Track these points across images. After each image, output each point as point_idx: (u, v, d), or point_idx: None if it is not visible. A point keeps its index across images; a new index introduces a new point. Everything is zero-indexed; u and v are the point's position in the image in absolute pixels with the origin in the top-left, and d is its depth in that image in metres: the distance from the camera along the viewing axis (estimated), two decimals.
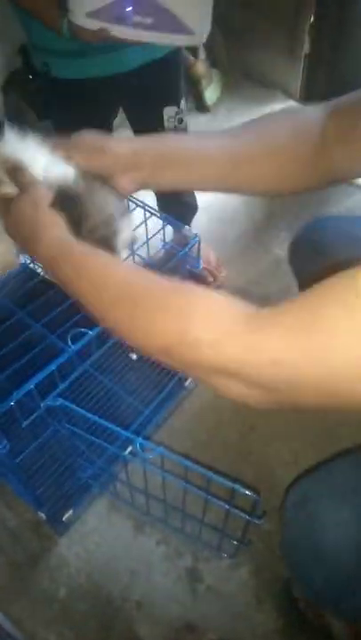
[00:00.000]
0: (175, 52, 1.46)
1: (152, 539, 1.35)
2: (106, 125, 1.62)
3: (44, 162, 0.78)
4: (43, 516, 1.27)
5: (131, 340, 0.65)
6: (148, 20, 1.16)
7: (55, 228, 0.73)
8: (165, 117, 1.50)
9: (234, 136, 0.81)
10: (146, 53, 1.38)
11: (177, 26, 1.17)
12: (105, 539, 1.35)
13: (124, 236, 0.82)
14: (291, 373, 0.52)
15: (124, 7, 1.14)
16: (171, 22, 1.16)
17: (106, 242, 0.80)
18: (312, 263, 1.08)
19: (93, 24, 1.17)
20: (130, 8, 1.14)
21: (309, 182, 0.81)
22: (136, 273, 0.67)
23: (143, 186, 0.83)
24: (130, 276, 0.66)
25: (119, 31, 1.18)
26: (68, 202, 0.76)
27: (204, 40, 1.24)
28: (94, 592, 1.28)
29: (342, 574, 0.82)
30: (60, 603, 1.27)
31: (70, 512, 1.32)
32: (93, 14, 1.17)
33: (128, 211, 0.85)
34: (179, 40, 1.22)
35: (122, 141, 0.81)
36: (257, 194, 0.85)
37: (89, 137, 0.81)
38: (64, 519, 1.31)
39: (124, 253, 0.85)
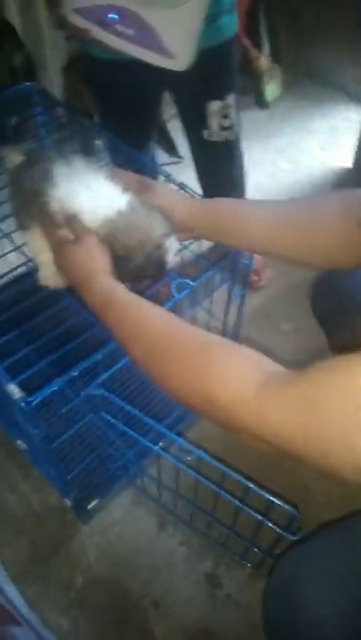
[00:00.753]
0: (227, 45, 1.40)
1: (175, 538, 1.32)
2: (151, 113, 1.59)
3: (97, 194, 0.84)
4: (68, 502, 1.26)
5: (164, 388, 0.71)
6: (130, 32, 1.17)
7: (103, 275, 0.80)
8: (209, 112, 1.46)
9: (285, 209, 0.87)
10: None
11: (158, 45, 1.18)
12: (127, 532, 1.34)
13: (172, 253, 0.88)
14: (288, 446, 0.57)
15: (108, 13, 1.15)
16: (152, 40, 1.17)
17: (158, 261, 0.86)
18: (338, 312, 1.11)
19: (78, 21, 1.19)
20: (115, 16, 1.15)
21: (351, 261, 0.82)
22: (170, 326, 0.72)
23: (190, 239, 0.93)
24: (164, 329, 0.72)
25: (101, 35, 1.20)
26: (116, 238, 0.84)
27: (184, 67, 1.23)
28: (112, 584, 1.26)
29: None
30: (77, 591, 1.26)
31: (96, 501, 1.30)
32: (80, 11, 1.18)
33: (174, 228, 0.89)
34: (157, 60, 1.22)
35: (183, 207, 0.89)
36: (298, 263, 0.89)
37: (158, 199, 0.87)
38: (89, 508, 1.30)
39: (175, 261, 0.90)
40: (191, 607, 1.23)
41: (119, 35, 1.18)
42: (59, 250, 0.85)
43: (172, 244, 0.87)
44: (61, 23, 1.23)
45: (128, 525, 1.34)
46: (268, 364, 0.65)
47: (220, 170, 1.65)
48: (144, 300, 0.76)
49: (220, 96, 1.43)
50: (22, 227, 0.92)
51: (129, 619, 1.22)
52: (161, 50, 1.20)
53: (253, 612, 1.21)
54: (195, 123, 1.51)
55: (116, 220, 0.83)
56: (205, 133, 1.49)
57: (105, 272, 0.80)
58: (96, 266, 0.81)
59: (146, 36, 1.18)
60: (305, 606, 0.80)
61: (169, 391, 0.70)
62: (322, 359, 0.59)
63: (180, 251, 0.91)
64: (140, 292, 0.80)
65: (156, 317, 0.74)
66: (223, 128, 1.48)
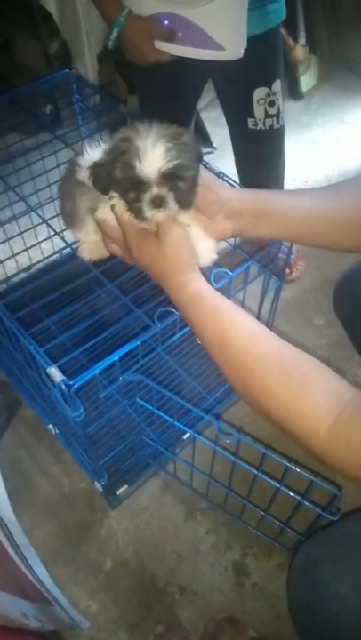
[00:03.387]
0: (274, 32, 1.39)
1: (202, 526, 1.33)
2: (189, 102, 1.57)
3: None
4: (98, 487, 1.28)
5: (243, 399, 0.74)
6: (179, 35, 1.22)
7: (186, 274, 0.78)
8: (255, 100, 1.44)
9: (326, 197, 0.86)
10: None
11: (207, 41, 1.22)
12: (155, 518, 1.35)
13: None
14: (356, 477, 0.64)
15: (162, 21, 1.22)
16: (200, 37, 1.21)
17: None
18: None
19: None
20: (166, 22, 1.22)
21: None
22: (252, 340, 0.72)
23: (239, 233, 0.88)
24: (245, 345, 0.72)
25: (174, 49, 1.26)
26: None
27: (237, 56, 1.24)
28: (139, 569, 1.28)
29: None
30: (105, 574, 1.28)
31: (125, 487, 1.32)
32: None
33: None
34: (209, 55, 1.25)
35: (231, 188, 0.88)
36: (340, 250, 0.89)
37: (206, 175, 0.83)
38: (118, 493, 1.32)
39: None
40: (217, 595, 1.24)
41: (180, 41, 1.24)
42: (141, 241, 0.81)
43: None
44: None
45: (156, 512, 1.36)
46: (347, 392, 0.66)
47: (264, 160, 1.63)
48: (229, 304, 0.75)
49: (266, 83, 1.42)
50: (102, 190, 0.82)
51: (155, 603, 1.24)
52: (210, 45, 1.22)
53: (280, 603, 1.22)
54: (239, 112, 1.49)
55: None
56: (250, 122, 1.48)
57: (190, 270, 0.78)
58: (181, 263, 0.78)
59: (194, 34, 1.21)
60: (326, 586, 0.81)
61: (247, 402, 0.74)
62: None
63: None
64: None
65: (239, 329, 0.73)
66: (269, 115, 1.47)
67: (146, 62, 1.29)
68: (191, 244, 0.80)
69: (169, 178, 0.73)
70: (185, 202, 0.77)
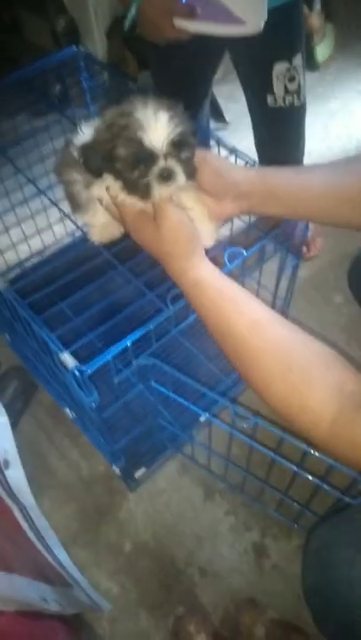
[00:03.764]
0: (296, 2, 1.33)
1: (221, 508, 1.33)
2: (205, 77, 1.52)
3: None
4: (116, 470, 1.28)
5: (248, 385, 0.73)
6: (198, 10, 1.17)
7: (189, 259, 0.75)
8: (275, 75, 1.39)
9: (338, 173, 0.83)
10: None
11: (226, 15, 1.17)
12: (174, 500, 1.35)
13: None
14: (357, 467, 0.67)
15: None
16: (219, 12, 1.16)
17: None
18: None
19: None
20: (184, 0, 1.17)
21: None
22: (254, 330, 0.70)
23: (249, 212, 0.87)
24: (247, 334, 0.70)
25: (194, 26, 1.19)
26: None
27: (257, 31, 1.18)
28: (159, 551, 1.28)
29: (352, 629, 0.79)
30: (125, 556, 1.28)
31: (143, 470, 1.32)
32: None
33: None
34: (229, 30, 1.20)
35: (240, 170, 0.85)
36: (355, 229, 0.85)
37: (215, 159, 0.82)
38: (136, 476, 1.31)
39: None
40: (237, 576, 1.24)
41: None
42: (139, 225, 0.79)
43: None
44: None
45: (174, 494, 1.36)
46: (350, 381, 0.65)
47: (284, 139, 1.58)
48: (232, 290, 0.73)
49: (287, 57, 1.36)
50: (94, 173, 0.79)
51: (175, 585, 1.24)
52: (230, 19, 1.17)
53: (300, 584, 1.21)
54: (259, 87, 1.43)
55: None
56: (270, 99, 1.42)
57: (191, 254, 0.76)
58: (179, 248, 0.75)
59: (213, 9, 1.16)
60: (338, 570, 0.81)
61: (252, 388, 0.73)
62: None
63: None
64: None
65: (241, 318, 0.72)
66: (289, 92, 1.41)
67: (165, 40, 1.25)
68: (191, 227, 0.77)
69: (177, 146, 0.71)
70: (190, 171, 0.75)
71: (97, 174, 0.76)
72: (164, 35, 1.23)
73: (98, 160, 0.73)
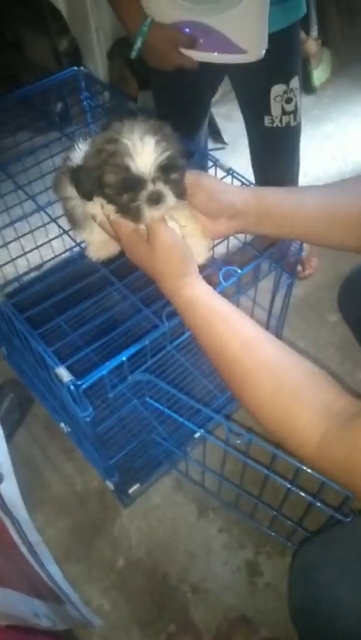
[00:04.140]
0: (293, 28, 1.37)
1: (214, 525, 1.33)
2: (204, 99, 1.56)
3: None
4: (110, 485, 1.28)
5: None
6: (200, 40, 1.21)
7: (181, 278, 0.76)
8: (272, 97, 1.42)
9: (332, 195, 0.84)
10: None
11: (228, 46, 1.21)
12: (167, 517, 1.35)
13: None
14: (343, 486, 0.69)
15: (183, 28, 1.21)
16: (222, 42, 1.20)
17: None
18: None
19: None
20: (188, 29, 1.21)
21: None
22: (246, 350, 0.71)
23: (243, 231, 0.87)
24: (239, 354, 0.71)
25: (196, 55, 1.24)
26: None
27: (258, 58, 1.23)
28: (152, 568, 1.28)
29: None
30: (118, 573, 1.28)
31: (137, 486, 1.32)
32: None
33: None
34: (231, 59, 1.24)
35: (234, 190, 0.86)
36: (348, 250, 0.86)
37: (208, 182, 0.83)
38: (130, 492, 1.32)
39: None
40: (230, 594, 1.24)
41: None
42: (132, 244, 0.80)
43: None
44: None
45: (168, 510, 1.35)
46: (338, 401, 0.66)
47: (280, 158, 1.61)
48: (224, 309, 0.74)
49: (285, 79, 1.40)
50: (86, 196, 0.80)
51: (168, 602, 1.23)
52: (232, 49, 1.21)
53: None
54: (256, 109, 1.47)
55: None
56: (267, 120, 1.46)
57: (184, 273, 0.77)
58: (171, 268, 0.76)
59: (215, 40, 1.21)
60: (322, 589, 0.81)
61: (244, 407, 0.74)
62: None
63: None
64: None
65: (232, 337, 0.72)
66: (286, 112, 1.44)
67: (172, 67, 1.28)
68: (183, 247, 0.78)
69: (164, 170, 0.72)
70: (179, 192, 0.76)
71: (88, 198, 0.77)
72: (172, 63, 1.26)
73: (89, 184, 0.75)
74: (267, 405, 0.69)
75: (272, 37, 1.23)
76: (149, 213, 0.74)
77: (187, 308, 0.76)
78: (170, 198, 0.74)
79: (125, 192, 0.73)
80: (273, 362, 0.70)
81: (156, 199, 0.73)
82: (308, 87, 2.55)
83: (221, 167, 1.12)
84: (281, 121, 1.46)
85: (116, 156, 0.71)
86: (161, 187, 0.73)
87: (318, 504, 0.97)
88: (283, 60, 1.39)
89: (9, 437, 1.42)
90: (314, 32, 2.47)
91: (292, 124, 1.47)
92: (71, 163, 0.81)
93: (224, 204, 0.82)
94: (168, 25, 1.21)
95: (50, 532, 1.32)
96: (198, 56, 1.25)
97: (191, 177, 0.81)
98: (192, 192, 0.81)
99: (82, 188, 0.76)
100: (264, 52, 1.23)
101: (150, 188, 0.73)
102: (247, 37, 1.21)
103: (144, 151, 0.70)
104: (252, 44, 1.22)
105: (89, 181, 0.75)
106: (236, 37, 1.19)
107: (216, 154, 1.50)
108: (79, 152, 0.80)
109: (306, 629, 0.86)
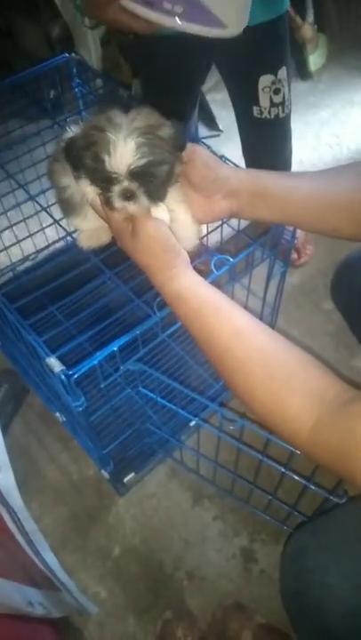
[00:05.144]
0: (282, 19, 1.35)
1: (209, 513, 1.33)
2: (192, 89, 1.54)
3: None
4: (105, 474, 1.28)
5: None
6: (178, 9, 1.12)
7: (169, 269, 0.75)
8: (260, 87, 1.41)
9: (327, 179, 0.84)
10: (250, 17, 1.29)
11: (208, 18, 1.13)
12: (163, 505, 1.35)
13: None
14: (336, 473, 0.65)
15: None
16: (201, 14, 1.12)
17: None
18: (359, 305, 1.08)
19: (126, 3, 1.12)
20: None
21: None
22: (236, 339, 0.71)
23: (237, 214, 0.87)
24: (230, 344, 0.71)
25: (150, 15, 1.13)
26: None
27: (237, 34, 1.16)
28: (147, 556, 1.29)
29: (327, 636, 0.80)
30: (114, 561, 1.29)
31: (132, 474, 1.32)
32: None
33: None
34: (209, 32, 1.16)
35: (229, 167, 0.85)
36: (342, 237, 0.85)
37: (205, 154, 0.82)
38: (125, 480, 1.32)
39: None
40: (225, 581, 1.24)
41: (168, 13, 1.14)
42: (118, 232, 0.79)
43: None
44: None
45: (163, 499, 1.36)
46: (330, 388, 0.65)
47: (270, 149, 1.60)
48: (213, 299, 0.74)
49: (272, 70, 1.38)
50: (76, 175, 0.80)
51: (163, 589, 1.24)
52: (212, 21, 1.15)
53: None
54: (244, 100, 1.46)
55: None
56: (255, 111, 1.44)
57: (171, 265, 0.76)
58: (155, 260, 0.76)
59: (195, 9, 1.13)
60: (313, 575, 0.81)
61: (236, 395, 0.74)
62: None
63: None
64: None
65: (223, 328, 0.72)
66: (274, 104, 1.43)
67: (106, 22, 1.20)
68: (168, 238, 0.76)
69: (139, 175, 0.71)
70: (156, 196, 0.75)
71: (74, 167, 0.77)
72: (105, 17, 1.17)
73: (75, 159, 0.75)
74: (259, 394, 0.69)
75: (258, 28, 1.21)
76: (121, 205, 0.73)
77: (176, 300, 0.75)
78: (142, 199, 0.73)
79: (100, 181, 0.73)
80: (264, 350, 0.70)
81: (128, 196, 0.72)
82: (304, 73, 2.53)
83: (214, 154, 1.11)
84: (270, 112, 1.45)
85: (96, 145, 0.70)
86: (135, 187, 0.72)
87: (313, 487, 0.98)
88: (270, 50, 1.38)
89: (4, 427, 1.42)
90: (310, 17, 2.45)
91: (281, 115, 1.46)
92: (63, 142, 0.80)
93: (219, 175, 0.81)
94: None
95: (46, 521, 1.33)
96: (171, 23, 1.15)
97: (188, 148, 0.80)
98: (188, 159, 0.80)
99: (70, 158, 0.76)
100: (241, 30, 1.17)
101: (125, 184, 0.72)
102: (228, 10, 1.15)
103: (123, 153, 0.69)
104: (232, 19, 1.16)
105: (75, 157, 0.74)
106: (217, 8, 1.13)
107: (211, 142, 1.49)
108: (71, 133, 0.80)
109: (296, 614, 0.86)
